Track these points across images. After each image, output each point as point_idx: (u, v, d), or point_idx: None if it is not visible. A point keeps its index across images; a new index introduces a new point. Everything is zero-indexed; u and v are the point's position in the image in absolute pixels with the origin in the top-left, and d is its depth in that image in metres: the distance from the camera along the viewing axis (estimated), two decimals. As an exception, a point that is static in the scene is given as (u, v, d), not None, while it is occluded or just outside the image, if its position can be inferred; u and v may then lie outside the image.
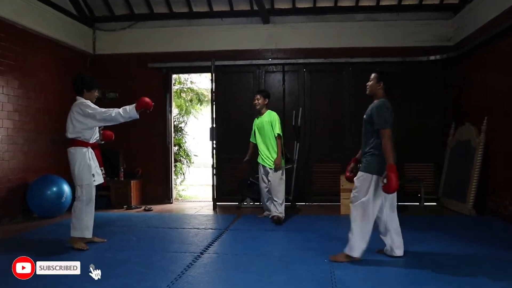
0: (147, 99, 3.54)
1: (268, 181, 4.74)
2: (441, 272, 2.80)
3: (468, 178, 5.07)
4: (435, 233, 4.01)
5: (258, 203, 6.01)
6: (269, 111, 4.83)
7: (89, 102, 3.62)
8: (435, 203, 5.84)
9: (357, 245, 2.97)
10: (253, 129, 4.96)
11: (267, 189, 4.80)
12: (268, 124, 4.71)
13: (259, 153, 4.81)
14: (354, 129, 5.95)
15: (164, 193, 6.43)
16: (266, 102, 4.81)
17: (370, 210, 2.94)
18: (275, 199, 4.65)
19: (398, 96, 5.95)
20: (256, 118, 4.94)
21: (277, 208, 4.62)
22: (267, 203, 4.88)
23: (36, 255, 3.05)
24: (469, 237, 3.82)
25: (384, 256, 3.17)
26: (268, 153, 4.71)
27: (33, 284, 2.63)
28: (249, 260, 3.15)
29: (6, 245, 3.77)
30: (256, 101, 4.80)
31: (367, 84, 3.13)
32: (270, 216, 4.73)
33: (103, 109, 3.54)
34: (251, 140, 5.05)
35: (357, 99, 5.97)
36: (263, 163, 4.77)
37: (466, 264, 3.01)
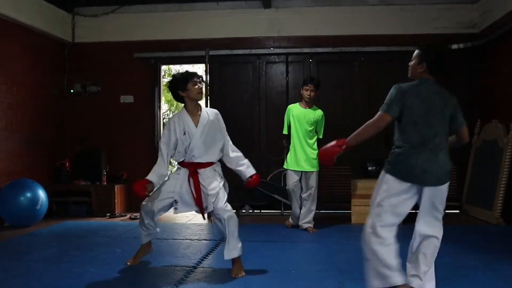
0: (136, 188, 3.15)
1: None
2: (465, 289, 2.80)
3: (495, 183, 5.07)
4: (458, 244, 4.00)
5: (258, 211, 6.02)
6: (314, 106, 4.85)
7: None
8: (458, 211, 5.85)
9: None
10: (290, 121, 4.83)
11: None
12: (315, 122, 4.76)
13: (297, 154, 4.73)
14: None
15: (152, 200, 6.43)
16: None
17: None
18: (312, 208, 4.77)
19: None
20: (292, 108, 4.84)
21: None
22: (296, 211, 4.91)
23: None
24: (497, 249, 3.82)
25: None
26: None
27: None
28: (247, 275, 3.15)
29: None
30: (309, 93, 4.70)
31: (409, 63, 2.74)
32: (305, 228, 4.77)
33: None
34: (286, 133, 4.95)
35: (370, 92, 5.97)
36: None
37: (492, 279, 3.01)
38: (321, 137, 4.85)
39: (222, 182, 3.30)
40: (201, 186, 3.18)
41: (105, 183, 6.09)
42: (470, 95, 6.03)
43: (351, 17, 6.11)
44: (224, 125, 3.38)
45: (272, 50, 6.26)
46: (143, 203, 3.28)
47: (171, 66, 8.52)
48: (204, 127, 3.22)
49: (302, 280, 3.05)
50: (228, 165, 3.37)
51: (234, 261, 3.20)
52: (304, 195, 4.79)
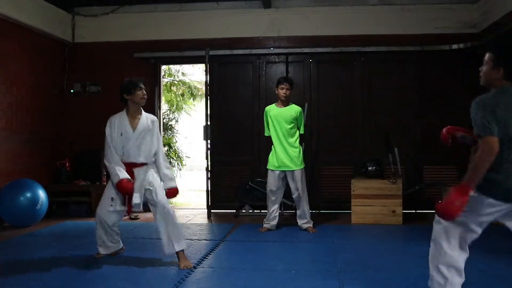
0: (123, 186, 3.31)
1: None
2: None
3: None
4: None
5: (258, 211, 6.02)
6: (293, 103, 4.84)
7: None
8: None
9: None
10: (269, 122, 4.82)
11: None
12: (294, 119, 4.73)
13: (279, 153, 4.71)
14: (367, 127, 5.96)
15: (152, 200, 6.43)
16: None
17: None
18: (306, 207, 4.73)
19: (419, 91, 6.00)
20: (270, 109, 4.83)
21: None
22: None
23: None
24: (497, 250, 3.80)
25: (401, 272, 3.17)
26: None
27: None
28: (248, 276, 3.15)
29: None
30: (285, 91, 4.71)
31: (480, 68, 2.38)
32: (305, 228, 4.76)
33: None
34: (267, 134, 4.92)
35: (370, 92, 5.99)
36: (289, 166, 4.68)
37: (494, 281, 3.01)
38: (302, 132, 4.83)
39: (159, 180, 3.52)
40: (136, 183, 3.37)
41: (105, 183, 6.07)
42: (470, 95, 5.99)
43: (351, 17, 6.11)
44: (159, 134, 3.66)
45: (272, 50, 6.26)
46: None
47: (171, 66, 8.51)
48: (141, 131, 3.46)
49: (302, 280, 3.05)
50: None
51: (179, 254, 3.33)
52: (294, 196, 4.75)
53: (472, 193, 2.14)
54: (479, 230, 2.26)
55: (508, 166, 2.14)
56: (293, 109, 4.76)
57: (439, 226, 2.31)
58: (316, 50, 6.13)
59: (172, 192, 3.54)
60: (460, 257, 2.30)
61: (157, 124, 3.62)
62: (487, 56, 2.30)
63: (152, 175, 3.46)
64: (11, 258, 3.70)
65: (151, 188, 3.39)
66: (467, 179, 2.14)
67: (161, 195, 3.38)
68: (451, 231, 2.26)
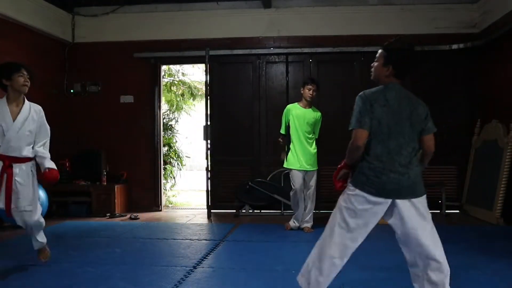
0: (51, 176, 3.23)
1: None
2: (465, 289, 2.81)
3: (495, 183, 5.08)
4: (458, 244, 4.01)
5: (258, 211, 6.03)
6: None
7: None
8: (458, 211, 5.85)
9: None
10: (290, 121, 4.81)
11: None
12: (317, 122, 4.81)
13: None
14: (366, 127, 5.98)
15: (152, 200, 6.44)
16: None
17: None
18: (312, 207, 4.81)
19: (419, 90, 5.99)
20: (292, 108, 4.83)
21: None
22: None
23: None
24: (496, 249, 3.82)
25: (401, 272, 3.18)
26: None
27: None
28: (248, 276, 3.15)
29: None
30: (312, 92, 4.73)
31: (372, 64, 2.52)
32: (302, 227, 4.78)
33: None
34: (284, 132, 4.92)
35: (370, 93, 6.00)
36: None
37: (492, 279, 3.01)
38: (317, 137, 4.90)
39: (36, 183, 3.30)
40: (16, 183, 3.11)
41: (105, 183, 6.09)
42: (470, 95, 6.03)
43: (351, 17, 6.12)
44: (47, 125, 3.31)
45: (272, 50, 6.26)
46: None
47: (171, 66, 8.51)
48: (23, 121, 3.13)
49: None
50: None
51: (41, 249, 3.32)
52: (304, 195, 4.79)
53: (351, 191, 2.24)
54: (361, 233, 2.24)
55: (379, 162, 2.19)
56: (316, 113, 4.83)
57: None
58: (316, 50, 6.13)
59: (51, 174, 3.21)
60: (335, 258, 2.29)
61: (43, 114, 3.29)
62: (379, 52, 2.42)
63: (29, 176, 3.21)
64: (12, 257, 3.70)
65: (22, 190, 3.12)
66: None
67: (26, 198, 3.13)
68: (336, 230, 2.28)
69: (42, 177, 3.25)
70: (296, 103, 4.87)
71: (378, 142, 2.22)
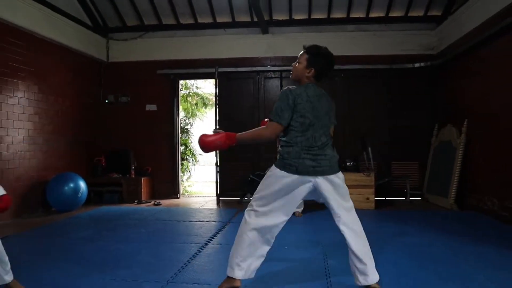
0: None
1: None
2: (425, 262, 2.81)
3: (450, 175, 5.08)
4: (419, 225, 4.01)
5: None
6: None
7: None
8: (420, 198, 5.85)
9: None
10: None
11: None
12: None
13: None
14: (347, 131, 5.98)
15: (171, 189, 6.44)
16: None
17: None
18: None
19: (388, 101, 6.01)
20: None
21: None
22: None
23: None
24: (450, 230, 3.82)
25: (375, 247, 3.18)
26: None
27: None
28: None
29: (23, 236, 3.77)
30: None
31: (293, 64, 2.27)
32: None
33: None
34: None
35: (349, 103, 6.00)
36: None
37: (448, 254, 3.01)
38: None
39: None
40: None
41: (133, 176, 6.09)
42: (430, 104, 6.03)
43: (333, 41, 6.08)
44: None
45: (269, 68, 6.26)
46: None
47: (187, 81, 8.51)
48: None
49: (293, 254, 3.05)
50: None
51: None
52: None
53: (273, 172, 2.17)
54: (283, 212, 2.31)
55: (299, 149, 2.10)
56: None
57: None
58: (305, 68, 6.11)
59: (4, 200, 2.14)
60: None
61: None
62: (302, 55, 2.21)
63: None
64: (57, 236, 3.70)
65: None
66: (240, 134, 2.14)
67: None
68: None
69: None
70: None
71: (299, 132, 2.11)
